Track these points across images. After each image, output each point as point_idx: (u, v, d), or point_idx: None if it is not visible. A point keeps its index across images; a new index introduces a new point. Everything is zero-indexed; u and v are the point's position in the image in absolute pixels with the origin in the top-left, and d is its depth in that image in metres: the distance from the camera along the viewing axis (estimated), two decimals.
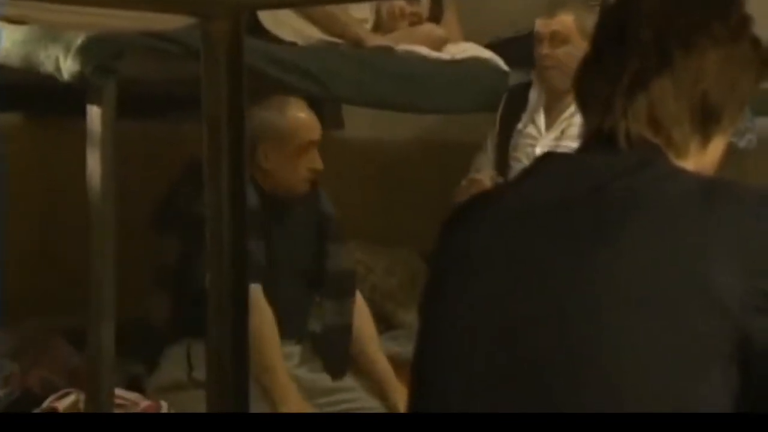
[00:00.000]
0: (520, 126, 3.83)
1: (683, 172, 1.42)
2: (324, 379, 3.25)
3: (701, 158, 1.47)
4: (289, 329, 3.19)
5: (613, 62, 1.46)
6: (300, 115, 3.21)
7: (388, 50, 3.62)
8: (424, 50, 3.74)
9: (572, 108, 3.66)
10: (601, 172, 1.40)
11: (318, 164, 3.20)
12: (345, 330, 3.30)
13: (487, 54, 3.95)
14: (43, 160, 4.14)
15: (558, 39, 3.68)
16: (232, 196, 1.59)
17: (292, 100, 3.22)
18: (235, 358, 1.58)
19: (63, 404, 2.95)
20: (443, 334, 1.45)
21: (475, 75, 3.85)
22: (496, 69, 3.94)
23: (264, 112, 3.19)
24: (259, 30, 3.28)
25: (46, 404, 2.95)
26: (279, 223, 3.19)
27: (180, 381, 3.06)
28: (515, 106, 3.86)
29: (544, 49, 3.72)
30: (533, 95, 3.84)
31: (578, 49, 3.42)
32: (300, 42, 3.42)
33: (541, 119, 3.80)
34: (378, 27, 3.87)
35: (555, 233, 1.39)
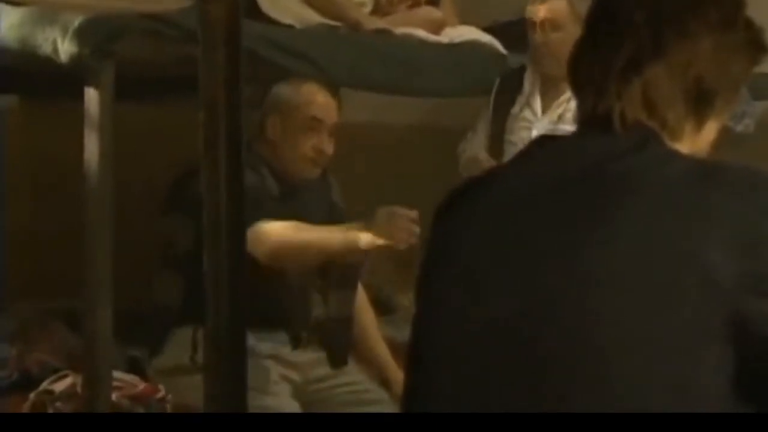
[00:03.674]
0: (515, 110, 3.82)
1: (678, 155, 1.42)
2: (325, 364, 3.26)
3: (696, 141, 1.47)
4: (294, 318, 3.19)
5: (607, 45, 1.47)
6: (315, 94, 3.20)
7: (386, 33, 3.61)
8: (422, 34, 3.73)
9: (568, 92, 3.65)
10: (597, 155, 1.41)
11: (326, 147, 3.19)
12: (347, 321, 3.30)
13: (485, 38, 3.95)
14: (40, 142, 4.14)
15: (550, 26, 3.66)
16: (230, 178, 1.59)
17: (312, 82, 3.21)
18: (232, 343, 1.58)
19: (60, 386, 2.95)
20: (438, 319, 1.45)
21: (473, 59, 3.85)
22: (494, 53, 3.94)
23: (281, 87, 3.20)
24: (256, 13, 3.28)
25: (43, 386, 2.96)
26: (290, 210, 3.18)
27: (183, 364, 3.06)
28: (509, 90, 3.85)
29: (537, 37, 3.71)
30: (528, 79, 3.83)
31: (572, 34, 3.41)
32: (297, 25, 3.41)
33: (537, 103, 3.79)
34: (376, 10, 3.86)
35: (550, 216, 1.39)
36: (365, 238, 2.89)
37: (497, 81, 3.87)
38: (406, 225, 2.85)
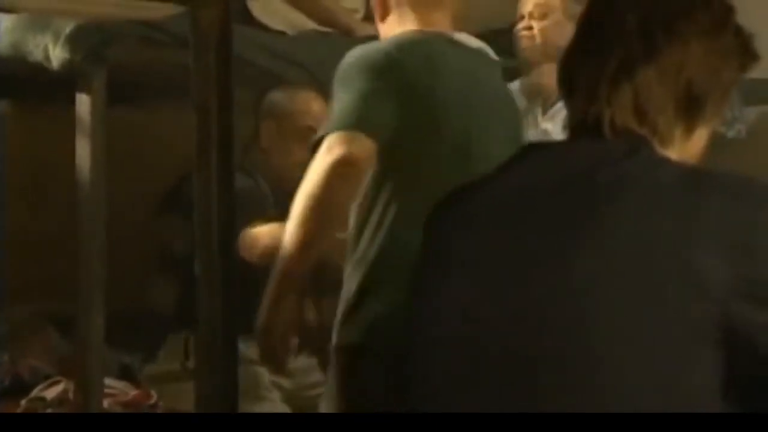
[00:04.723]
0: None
1: (669, 161, 1.42)
2: (318, 371, 3.25)
3: (686, 147, 1.48)
4: None
5: (598, 50, 1.47)
6: (311, 103, 3.19)
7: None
8: None
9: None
10: (587, 161, 1.41)
11: None
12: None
13: (476, 44, 3.93)
14: (32, 148, 4.13)
15: (538, 14, 3.66)
16: (222, 182, 1.59)
17: (308, 90, 3.20)
18: (224, 347, 1.58)
19: (52, 393, 2.94)
20: (432, 321, 1.45)
21: None
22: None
23: (276, 93, 3.19)
24: (247, 19, 3.28)
25: (35, 393, 2.95)
26: (282, 217, 3.17)
27: (174, 371, 3.05)
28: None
29: (521, 25, 3.71)
30: (524, 83, 3.82)
31: (557, 23, 3.44)
32: (289, 31, 3.41)
33: (537, 109, 3.78)
34: (368, 17, 3.86)
35: (543, 219, 1.39)
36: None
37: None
38: None
